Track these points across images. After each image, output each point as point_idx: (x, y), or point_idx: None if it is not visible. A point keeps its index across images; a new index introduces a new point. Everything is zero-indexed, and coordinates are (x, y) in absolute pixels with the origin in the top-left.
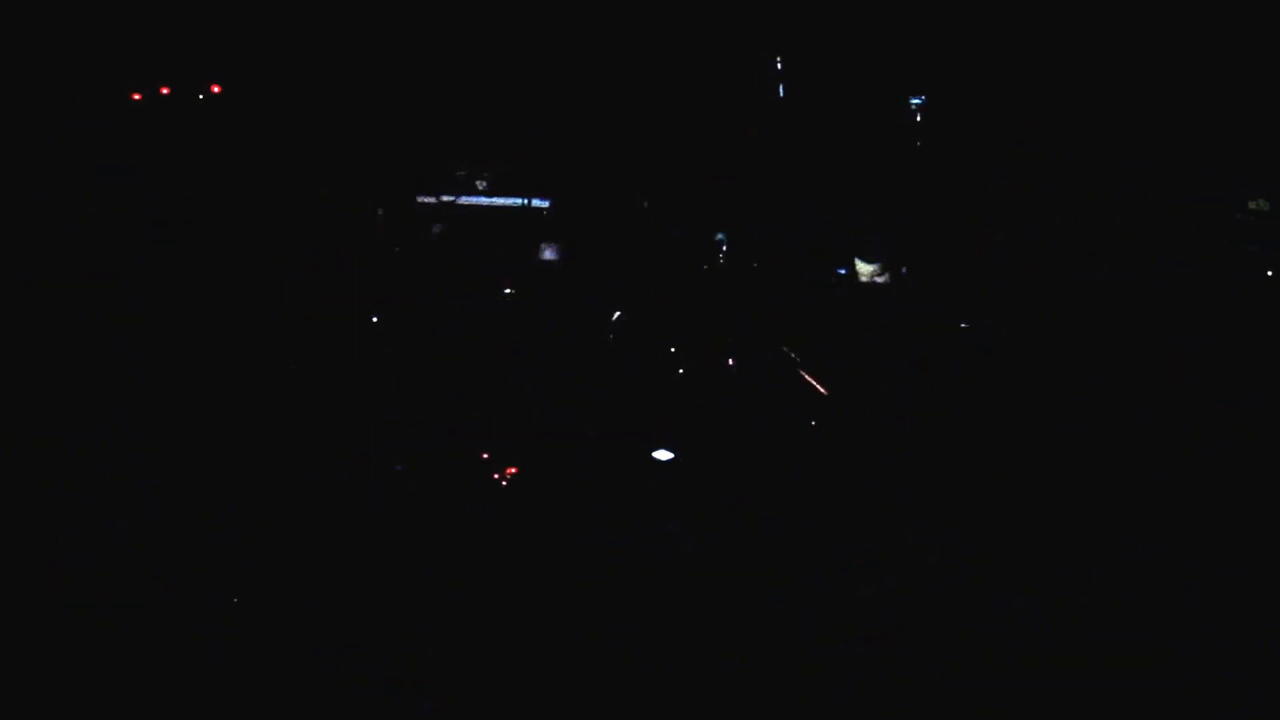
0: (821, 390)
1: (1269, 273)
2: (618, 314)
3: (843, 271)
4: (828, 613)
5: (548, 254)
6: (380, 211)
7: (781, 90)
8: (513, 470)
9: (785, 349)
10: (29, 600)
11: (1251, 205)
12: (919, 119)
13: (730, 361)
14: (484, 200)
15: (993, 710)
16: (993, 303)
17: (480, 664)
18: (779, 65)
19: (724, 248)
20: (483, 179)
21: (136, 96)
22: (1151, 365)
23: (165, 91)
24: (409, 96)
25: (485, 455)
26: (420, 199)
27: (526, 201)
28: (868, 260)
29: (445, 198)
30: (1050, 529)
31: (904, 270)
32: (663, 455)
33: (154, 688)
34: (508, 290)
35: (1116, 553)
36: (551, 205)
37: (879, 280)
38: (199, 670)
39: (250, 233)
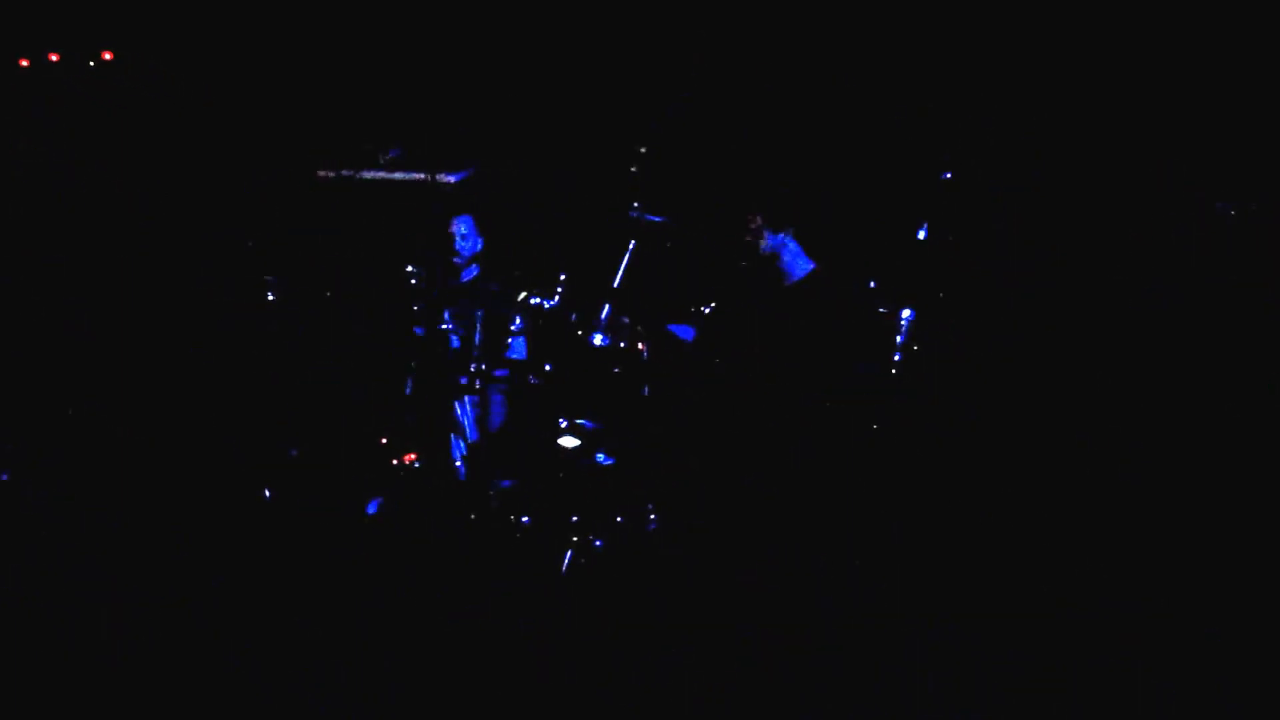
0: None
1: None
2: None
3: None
4: (817, 614)
5: (457, 230)
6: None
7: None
8: (411, 457)
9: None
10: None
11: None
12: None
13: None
14: (390, 174)
15: (992, 710)
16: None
17: (479, 664)
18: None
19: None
20: (390, 150)
21: (24, 63)
22: (1144, 368)
23: (54, 58)
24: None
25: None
26: (320, 173)
27: (430, 175)
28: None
29: (345, 172)
30: (1045, 530)
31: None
32: (569, 442)
33: (148, 689)
34: (411, 269)
35: (1112, 553)
36: (463, 178)
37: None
38: (189, 673)
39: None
